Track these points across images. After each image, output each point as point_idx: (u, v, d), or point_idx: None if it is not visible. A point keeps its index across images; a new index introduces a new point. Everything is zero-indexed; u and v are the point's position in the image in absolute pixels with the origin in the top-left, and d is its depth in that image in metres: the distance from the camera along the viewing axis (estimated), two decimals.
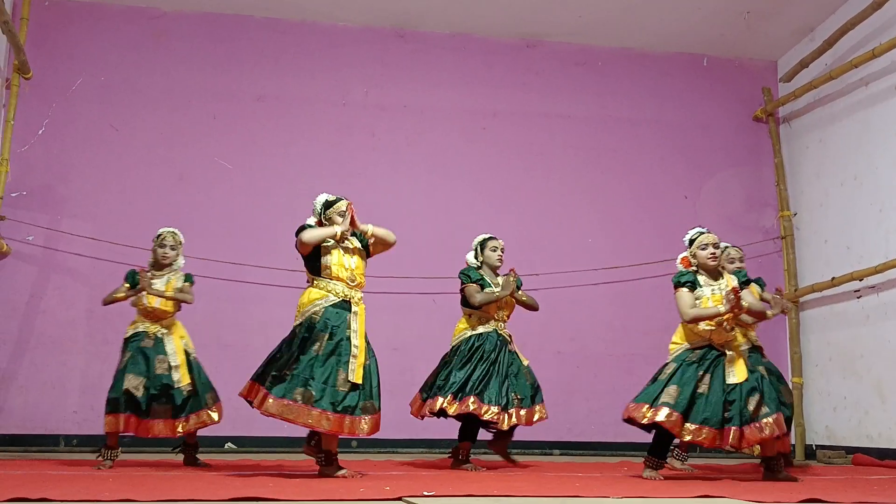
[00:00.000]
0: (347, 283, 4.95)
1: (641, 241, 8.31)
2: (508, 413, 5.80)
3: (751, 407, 4.82)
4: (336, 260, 4.97)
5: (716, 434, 4.85)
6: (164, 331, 5.69)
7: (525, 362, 6.05)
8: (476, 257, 6.16)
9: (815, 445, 7.87)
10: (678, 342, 5.21)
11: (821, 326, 8.03)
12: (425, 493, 3.72)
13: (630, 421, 5.06)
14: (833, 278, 7.67)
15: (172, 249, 5.79)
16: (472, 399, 5.70)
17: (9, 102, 7.38)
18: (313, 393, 4.62)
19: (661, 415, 4.88)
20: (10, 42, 7.05)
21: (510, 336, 6.04)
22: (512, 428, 5.92)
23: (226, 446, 7.33)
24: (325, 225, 5.09)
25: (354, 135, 8.17)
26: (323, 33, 8.27)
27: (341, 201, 5.16)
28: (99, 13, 7.87)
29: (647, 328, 7.97)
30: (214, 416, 5.73)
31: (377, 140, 8.20)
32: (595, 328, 8.19)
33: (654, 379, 5.12)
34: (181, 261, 5.88)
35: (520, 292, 6.07)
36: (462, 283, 6.03)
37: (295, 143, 8.06)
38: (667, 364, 5.16)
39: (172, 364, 5.58)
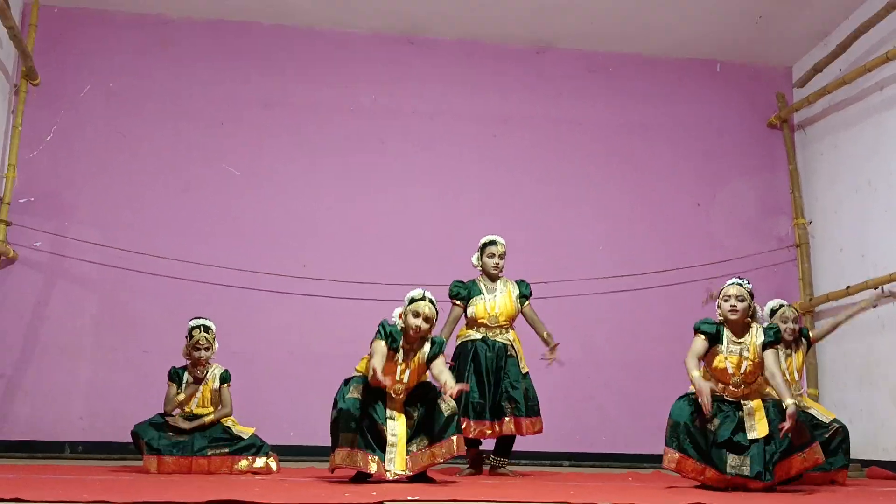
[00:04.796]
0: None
1: (653, 248, 8.21)
2: (500, 422, 5.74)
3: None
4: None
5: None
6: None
7: (525, 370, 5.97)
8: (478, 260, 6.11)
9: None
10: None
11: (836, 336, 7.78)
12: (409, 499, 3.65)
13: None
14: (848, 287, 7.52)
15: (207, 350, 5.74)
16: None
17: (17, 108, 7.42)
18: None
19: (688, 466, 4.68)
20: (18, 48, 7.09)
21: (511, 342, 5.96)
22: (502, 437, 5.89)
23: None
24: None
25: (363, 142, 8.13)
26: (331, 40, 8.26)
27: (419, 303, 4.86)
28: (107, 20, 7.91)
29: (658, 337, 7.86)
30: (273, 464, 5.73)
31: (386, 147, 8.17)
32: (606, 337, 8.08)
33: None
34: (215, 350, 5.82)
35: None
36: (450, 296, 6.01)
37: (303, 150, 8.03)
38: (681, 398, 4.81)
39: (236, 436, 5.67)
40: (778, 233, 8.49)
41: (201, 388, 5.71)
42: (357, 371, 4.89)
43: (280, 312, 7.64)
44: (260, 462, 5.64)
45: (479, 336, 5.92)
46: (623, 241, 8.25)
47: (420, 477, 4.82)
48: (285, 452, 7.16)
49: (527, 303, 6.10)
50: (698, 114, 8.63)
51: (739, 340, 4.76)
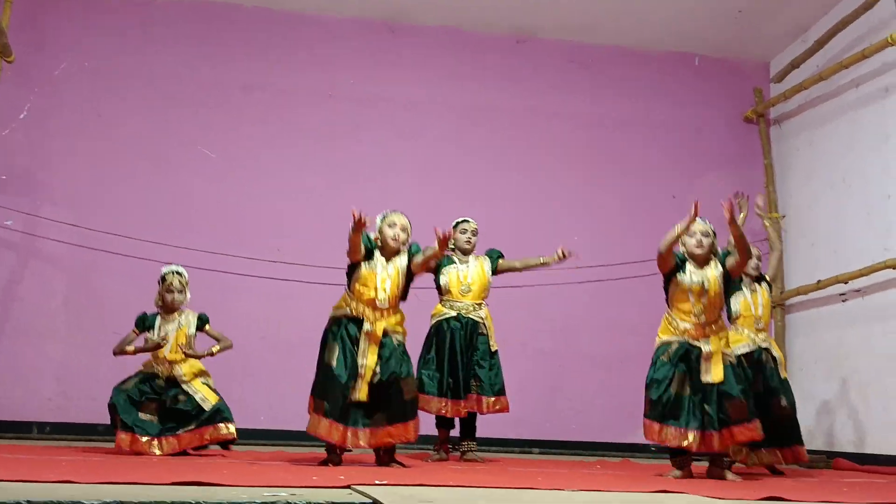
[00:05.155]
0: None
1: (629, 239, 8.22)
2: (464, 401, 5.82)
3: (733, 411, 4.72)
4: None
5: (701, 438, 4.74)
6: (178, 373, 5.62)
7: (494, 348, 6.01)
8: (451, 239, 6.15)
9: None
10: (660, 335, 5.04)
11: (806, 329, 7.95)
12: (377, 482, 3.65)
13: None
14: (819, 281, 7.59)
15: (180, 293, 5.70)
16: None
17: None
18: None
19: (669, 438, 4.76)
20: None
21: (483, 319, 6.00)
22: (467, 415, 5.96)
23: None
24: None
25: (340, 127, 8.11)
26: (312, 24, 8.21)
27: (392, 214, 5.06)
28: None
29: (632, 328, 7.87)
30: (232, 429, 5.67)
31: (364, 133, 8.14)
32: (579, 327, 8.12)
33: (648, 384, 4.92)
34: (187, 299, 5.78)
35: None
36: None
37: (280, 134, 8.00)
38: (655, 366, 4.96)
39: (199, 399, 5.56)
40: (752, 227, 8.49)
41: (175, 332, 5.64)
42: (335, 310, 4.96)
43: (253, 297, 7.61)
44: (226, 429, 5.59)
45: (453, 314, 5.99)
46: (599, 231, 8.27)
47: (388, 460, 4.86)
48: (256, 437, 7.18)
49: (500, 260, 6.19)
50: (676, 107, 8.66)
51: (701, 271, 4.91)
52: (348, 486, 3.49)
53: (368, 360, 4.79)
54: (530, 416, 7.50)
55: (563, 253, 6.18)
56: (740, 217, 5.65)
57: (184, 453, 5.54)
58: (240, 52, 8.05)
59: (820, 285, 7.56)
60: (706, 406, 4.76)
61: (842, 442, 7.32)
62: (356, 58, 8.25)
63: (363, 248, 4.91)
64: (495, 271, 6.20)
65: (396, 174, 8.09)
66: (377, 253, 4.96)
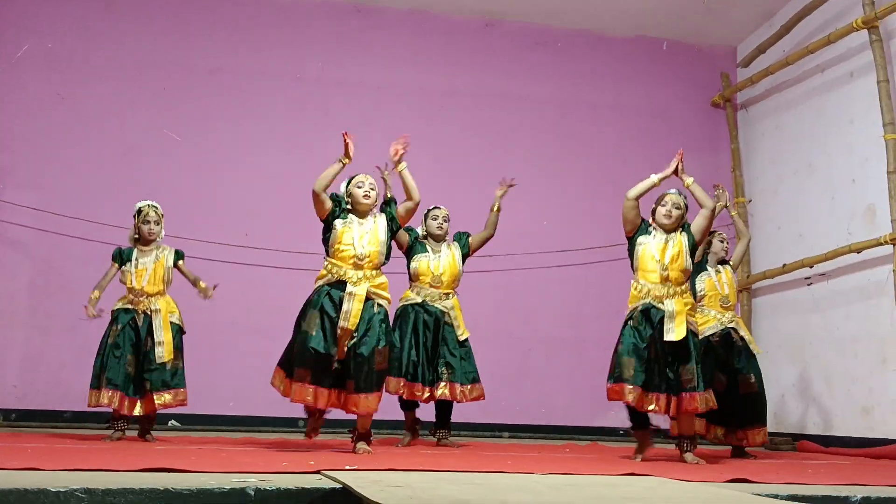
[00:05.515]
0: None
1: (597, 224, 8.21)
2: (435, 387, 5.84)
3: (685, 376, 4.80)
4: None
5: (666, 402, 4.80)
6: (154, 307, 5.59)
7: (463, 336, 6.01)
8: (423, 227, 6.19)
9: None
10: (629, 304, 5.05)
11: (771, 313, 8.04)
12: (347, 467, 3.65)
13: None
14: (784, 265, 7.67)
15: (157, 224, 5.68)
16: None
17: None
18: None
19: (626, 393, 4.79)
20: None
21: (449, 309, 6.01)
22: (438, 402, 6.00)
23: (169, 424, 7.21)
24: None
25: (308, 111, 8.04)
26: (278, 6, 8.14)
27: (357, 177, 5.17)
28: None
29: (599, 313, 7.92)
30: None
31: (331, 117, 8.07)
32: (548, 311, 8.15)
33: (616, 349, 4.97)
34: (162, 233, 5.77)
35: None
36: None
37: (246, 117, 7.92)
38: (622, 331, 5.00)
39: (157, 340, 5.50)
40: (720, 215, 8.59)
41: (153, 265, 5.63)
42: (317, 281, 4.93)
43: (216, 280, 7.53)
44: (181, 395, 5.56)
45: (419, 300, 5.98)
46: (567, 216, 8.29)
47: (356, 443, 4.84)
48: (224, 423, 7.15)
49: (470, 238, 6.23)
50: (644, 91, 8.69)
51: (667, 234, 4.97)
52: (318, 472, 3.49)
53: (350, 321, 4.71)
54: (498, 400, 7.51)
55: (504, 187, 6.38)
56: (717, 206, 5.75)
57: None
58: (205, 35, 7.96)
59: (785, 269, 7.64)
60: (668, 371, 4.82)
61: (807, 424, 7.42)
62: (323, 40, 8.19)
63: (332, 204, 4.93)
64: (469, 253, 6.20)
65: (364, 156, 7.99)
66: (351, 215, 4.94)
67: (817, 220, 7.53)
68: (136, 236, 5.71)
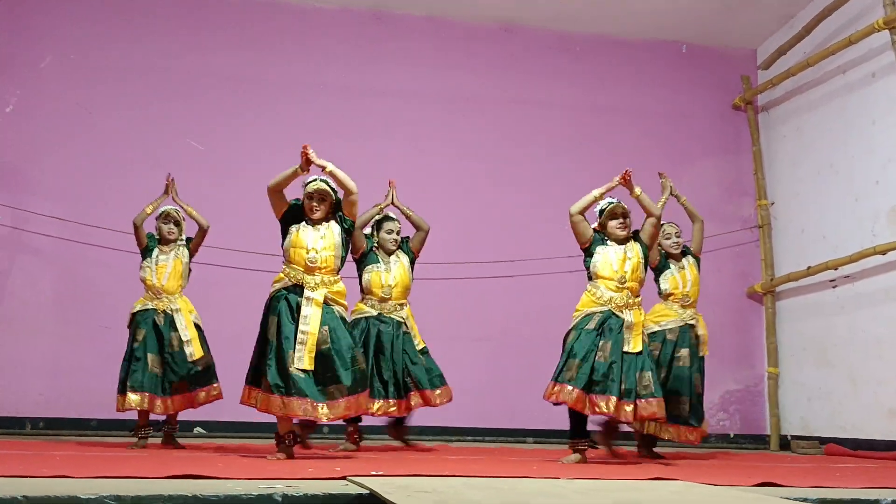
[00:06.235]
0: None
1: None
2: (406, 399, 5.90)
3: (644, 382, 4.92)
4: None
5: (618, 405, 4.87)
6: (174, 307, 5.77)
7: (420, 346, 6.05)
8: (371, 236, 6.13)
9: (790, 436, 7.82)
10: (580, 309, 5.18)
11: (796, 316, 7.98)
12: (372, 473, 3.66)
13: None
14: (809, 268, 7.62)
15: (176, 225, 5.96)
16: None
17: None
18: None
19: (564, 393, 4.87)
20: None
21: (405, 319, 6.03)
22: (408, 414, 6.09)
23: (195, 430, 7.25)
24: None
25: (330, 118, 8.06)
26: (299, 14, 8.17)
27: (309, 184, 5.06)
28: None
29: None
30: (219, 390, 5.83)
31: (353, 124, 8.10)
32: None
33: (570, 352, 5.05)
34: (182, 236, 6.04)
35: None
36: None
37: (269, 126, 7.94)
38: (568, 332, 5.12)
39: (184, 339, 5.69)
40: (741, 214, 8.57)
41: (173, 262, 5.86)
42: (273, 285, 4.96)
43: (243, 288, 7.52)
44: (215, 391, 5.75)
45: (374, 313, 5.97)
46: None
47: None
48: (250, 429, 7.15)
49: (409, 242, 6.23)
50: (664, 95, 8.66)
51: (622, 245, 5.18)
52: (344, 478, 3.50)
53: (311, 326, 4.71)
54: (522, 406, 7.51)
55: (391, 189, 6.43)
56: (662, 198, 6.00)
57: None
58: (226, 44, 7.99)
59: (809, 272, 7.59)
60: (623, 376, 4.92)
61: (833, 428, 7.36)
62: (343, 48, 8.22)
63: (290, 204, 4.99)
64: (415, 257, 6.19)
65: (384, 163, 8.03)
66: (305, 221, 4.95)
67: (840, 222, 7.49)
68: (158, 236, 5.93)
